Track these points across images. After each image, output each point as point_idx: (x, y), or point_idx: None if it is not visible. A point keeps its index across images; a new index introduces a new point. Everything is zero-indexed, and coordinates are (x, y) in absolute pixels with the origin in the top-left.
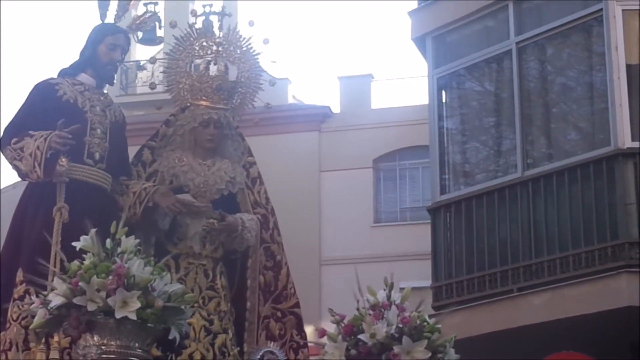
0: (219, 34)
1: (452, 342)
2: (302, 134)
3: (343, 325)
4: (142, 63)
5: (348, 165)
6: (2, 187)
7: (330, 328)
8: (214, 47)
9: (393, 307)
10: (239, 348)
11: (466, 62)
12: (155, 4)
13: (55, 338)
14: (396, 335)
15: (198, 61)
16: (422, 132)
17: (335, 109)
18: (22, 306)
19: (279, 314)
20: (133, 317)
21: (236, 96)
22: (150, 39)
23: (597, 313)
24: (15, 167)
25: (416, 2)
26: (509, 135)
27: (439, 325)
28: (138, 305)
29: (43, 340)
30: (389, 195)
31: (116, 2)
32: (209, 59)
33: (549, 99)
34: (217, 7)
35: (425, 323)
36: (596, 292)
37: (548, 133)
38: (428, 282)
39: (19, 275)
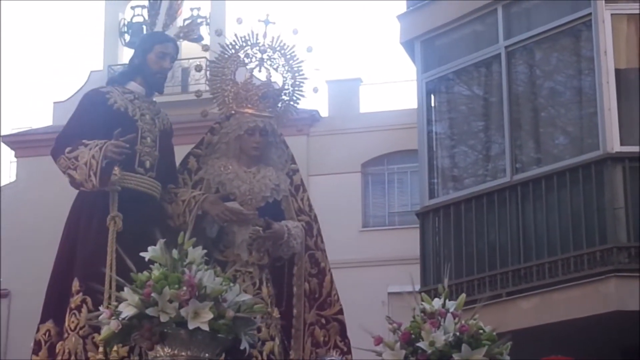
0: (263, 42)
1: (509, 350)
2: (290, 138)
3: (400, 333)
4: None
5: (336, 170)
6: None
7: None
8: (259, 55)
9: (449, 314)
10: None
11: (455, 66)
12: (199, 8)
13: (114, 347)
14: (454, 343)
15: (243, 69)
16: (410, 136)
17: (324, 112)
18: (80, 316)
19: (323, 320)
20: (205, 327)
21: (280, 103)
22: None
23: (586, 317)
24: (70, 177)
25: (405, 6)
26: (498, 140)
27: (494, 333)
28: (210, 316)
29: (101, 349)
30: (377, 200)
31: (164, 10)
32: (254, 66)
33: (537, 103)
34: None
35: (481, 331)
36: (585, 297)
37: (537, 137)
38: (416, 287)
39: (75, 285)
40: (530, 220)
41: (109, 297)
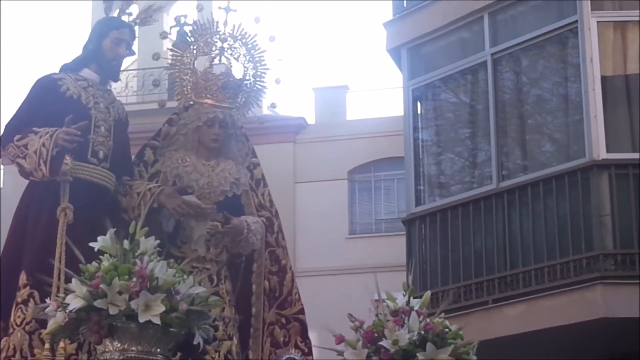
0: (224, 30)
1: (475, 349)
2: (277, 145)
3: (363, 331)
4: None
5: (323, 177)
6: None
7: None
8: (219, 44)
9: (413, 313)
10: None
11: (441, 74)
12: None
13: (61, 344)
14: (418, 342)
15: (202, 58)
16: (397, 143)
17: (310, 120)
18: (26, 310)
19: (283, 320)
20: (157, 321)
21: (241, 95)
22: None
23: (572, 324)
24: (19, 165)
25: (391, 13)
26: (484, 147)
27: (461, 332)
28: (162, 308)
29: (47, 346)
30: (364, 207)
31: None
32: (213, 55)
33: (524, 111)
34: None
35: (447, 329)
36: (571, 304)
37: (523, 144)
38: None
39: (22, 279)
40: (517, 227)
41: (57, 290)
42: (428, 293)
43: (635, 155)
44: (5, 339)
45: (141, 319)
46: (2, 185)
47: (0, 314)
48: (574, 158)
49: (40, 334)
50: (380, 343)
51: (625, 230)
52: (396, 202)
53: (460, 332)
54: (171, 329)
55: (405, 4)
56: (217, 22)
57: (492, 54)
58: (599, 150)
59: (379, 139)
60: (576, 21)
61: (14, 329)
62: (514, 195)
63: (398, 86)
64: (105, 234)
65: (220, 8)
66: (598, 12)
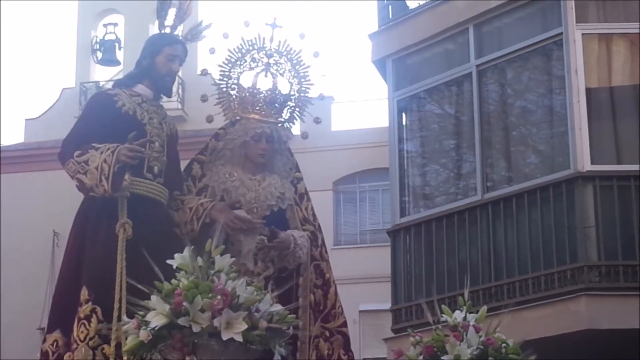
0: (270, 46)
1: None
2: None
3: (423, 345)
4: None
5: (308, 187)
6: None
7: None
8: (265, 59)
9: (471, 327)
10: None
11: (426, 85)
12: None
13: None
14: (478, 356)
15: (249, 74)
16: (382, 154)
17: (295, 130)
18: (89, 326)
19: (327, 333)
20: (239, 339)
21: (285, 110)
22: (110, 60)
23: (556, 336)
24: (78, 181)
25: (377, 24)
26: (469, 158)
27: (519, 348)
28: (245, 326)
29: None
30: (348, 218)
31: (174, 10)
32: (260, 71)
33: (509, 122)
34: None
35: (504, 344)
36: (556, 315)
37: (508, 156)
38: (387, 305)
39: (84, 294)
40: (501, 238)
41: (119, 307)
42: (484, 308)
43: (619, 167)
44: (68, 354)
45: (224, 337)
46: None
47: (63, 329)
48: (559, 170)
49: (103, 349)
50: (443, 358)
51: (609, 241)
52: (381, 213)
53: (519, 349)
54: (251, 347)
55: (390, 15)
56: (264, 38)
57: (477, 66)
58: (584, 162)
59: (364, 150)
60: (561, 33)
61: (77, 344)
62: (498, 207)
63: (383, 97)
64: (165, 252)
65: (266, 24)
66: (583, 24)
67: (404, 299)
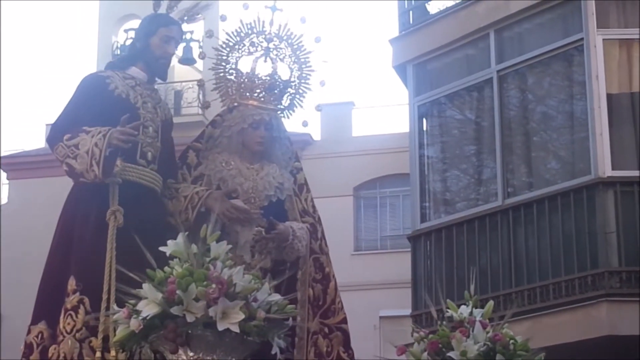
0: (270, 30)
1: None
2: None
3: (427, 341)
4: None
5: (328, 193)
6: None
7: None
8: (264, 44)
9: (477, 323)
10: None
11: (447, 90)
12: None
13: (112, 352)
14: (485, 353)
15: (247, 58)
16: (402, 160)
17: (316, 136)
18: (77, 317)
19: (326, 329)
20: (236, 329)
21: (285, 96)
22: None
23: (577, 342)
24: (68, 166)
25: (397, 30)
26: (490, 164)
27: (528, 344)
28: (242, 316)
29: (99, 354)
30: (369, 223)
31: None
32: (259, 55)
33: (529, 128)
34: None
35: (512, 341)
36: (576, 321)
37: (528, 161)
38: (408, 311)
39: (71, 284)
40: (522, 244)
41: (108, 297)
42: (491, 303)
43: None
44: (53, 346)
45: (220, 327)
46: (7, 201)
47: (48, 320)
48: (580, 175)
49: (90, 341)
50: (449, 354)
51: (630, 247)
52: (401, 218)
53: (528, 345)
54: (248, 338)
55: (411, 21)
56: (263, 22)
57: (498, 71)
58: (605, 167)
59: (384, 156)
60: (582, 39)
61: (63, 336)
62: (519, 212)
63: (404, 103)
64: (159, 240)
65: (266, 7)
66: (604, 29)
67: (424, 304)
